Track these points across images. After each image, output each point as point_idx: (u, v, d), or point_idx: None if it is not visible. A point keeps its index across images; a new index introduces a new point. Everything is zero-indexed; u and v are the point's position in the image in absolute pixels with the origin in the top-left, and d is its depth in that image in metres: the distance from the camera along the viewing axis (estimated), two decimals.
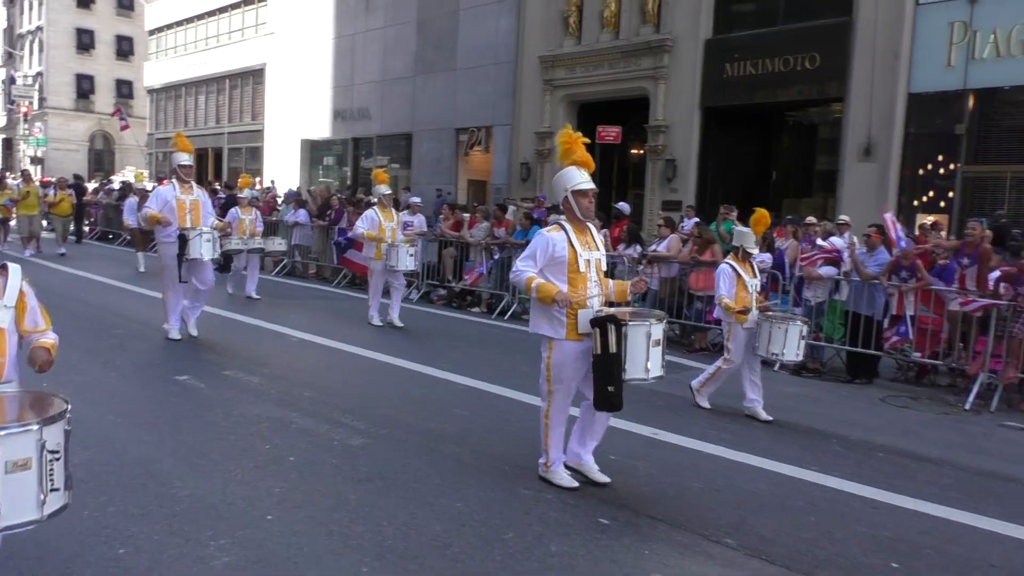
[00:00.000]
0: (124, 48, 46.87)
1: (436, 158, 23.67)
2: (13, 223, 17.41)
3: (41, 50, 45.96)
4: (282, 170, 28.26)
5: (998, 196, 14.82)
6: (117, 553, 3.48)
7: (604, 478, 4.64)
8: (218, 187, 19.96)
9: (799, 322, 6.66)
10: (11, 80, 47.42)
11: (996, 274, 7.71)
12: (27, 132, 44.15)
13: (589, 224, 4.66)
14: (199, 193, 8.46)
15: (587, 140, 4.72)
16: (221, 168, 32.64)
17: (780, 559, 3.83)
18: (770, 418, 6.51)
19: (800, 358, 6.85)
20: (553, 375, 4.58)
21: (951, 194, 15.16)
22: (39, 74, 46.20)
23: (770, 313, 6.80)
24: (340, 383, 7.00)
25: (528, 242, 11.42)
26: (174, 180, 8.33)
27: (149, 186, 19.01)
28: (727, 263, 6.78)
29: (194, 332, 8.37)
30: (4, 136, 50.19)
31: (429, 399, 6.65)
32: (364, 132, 26.14)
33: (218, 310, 10.19)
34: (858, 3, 15.66)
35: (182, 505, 4.04)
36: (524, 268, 4.53)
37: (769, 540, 4.06)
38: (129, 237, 17.20)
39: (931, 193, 15.61)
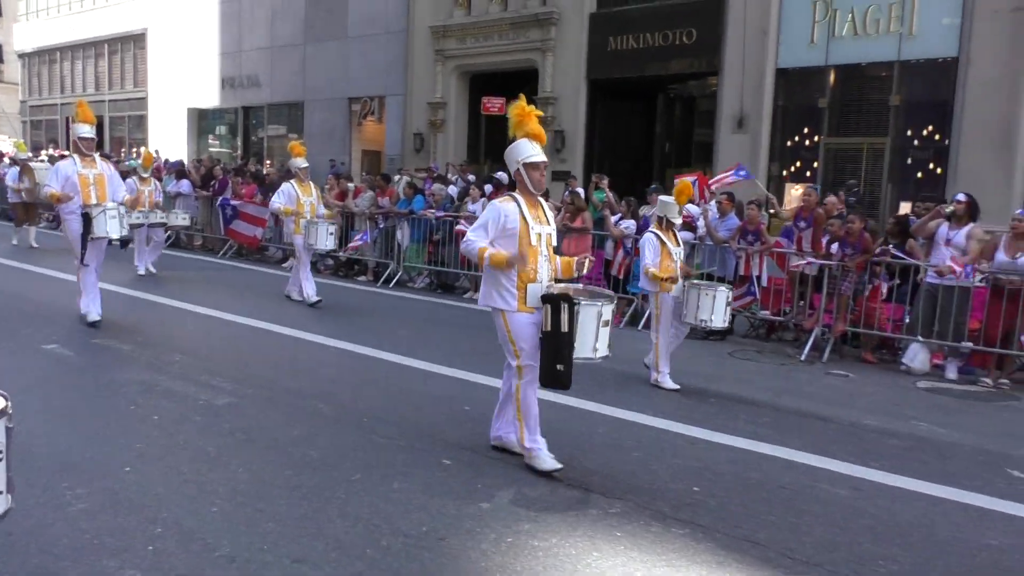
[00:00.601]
0: None
1: (329, 128, 23.51)
2: None
3: None
4: (169, 140, 27.42)
5: (856, 166, 16.01)
6: None
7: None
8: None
9: (724, 288, 6.84)
10: None
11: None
12: None
13: (540, 198, 4.67)
14: (104, 167, 8.04)
15: (540, 113, 4.71)
16: (103, 137, 31.28)
17: (598, 487, 4.35)
18: (677, 386, 6.66)
19: (727, 324, 7.00)
20: (518, 347, 4.52)
21: (816, 164, 16.27)
22: None
23: (695, 280, 6.87)
24: (212, 349, 7.20)
25: (411, 212, 11.79)
26: (74, 155, 7.93)
27: (24, 156, 18.16)
28: (652, 232, 6.80)
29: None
30: None
31: (299, 361, 6.94)
32: (254, 101, 25.67)
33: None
34: None
35: (41, 461, 4.24)
36: (475, 239, 4.47)
37: (592, 472, 4.58)
38: (7, 210, 16.55)
39: (798, 163, 16.69)
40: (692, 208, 9.53)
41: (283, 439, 4.82)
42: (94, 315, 7.78)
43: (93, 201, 7.67)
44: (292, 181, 10.03)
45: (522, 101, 4.66)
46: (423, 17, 21.05)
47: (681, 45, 17.46)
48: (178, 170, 15.96)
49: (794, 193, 15.95)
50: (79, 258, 7.66)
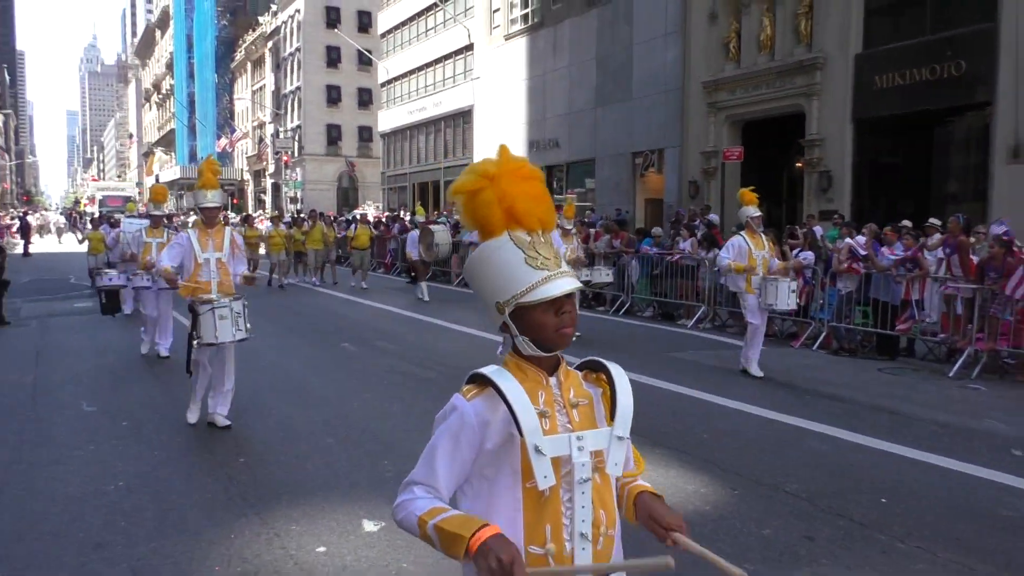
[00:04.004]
0: (364, 99, 55.08)
1: (616, 181, 26.66)
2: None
3: (299, 106, 55.31)
4: None
5: None
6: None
7: None
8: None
9: None
10: (276, 134, 57.60)
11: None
12: (287, 177, 53.44)
13: None
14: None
15: None
16: (440, 199, 37.94)
17: None
18: None
19: None
20: None
21: None
22: (298, 127, 55.57)
23: None
24: (437, 347, 10.39)
25: (637, 250, 14.13)
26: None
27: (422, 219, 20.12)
28: None
29: None
30: (273, 181, 60.52)
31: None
32: (555, 160, 29.78)
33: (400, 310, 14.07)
34: (1001, 9, 16.49)
35: (312, 398, 7.54)
36: None
37: None
38: (411, 269, 18.24)
39: None
40: (860, 239, 10.73)
41: (435, 396, 7.64)
42: None
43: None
44: (743, 233, 8.96)
45: None
46: (697, 74, 23.38)
47: (950, 78, 17.67)
48: (454, 224, 19.98)
49: None
50: None
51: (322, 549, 4.24)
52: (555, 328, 1.75)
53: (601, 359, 1.89)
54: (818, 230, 16.01)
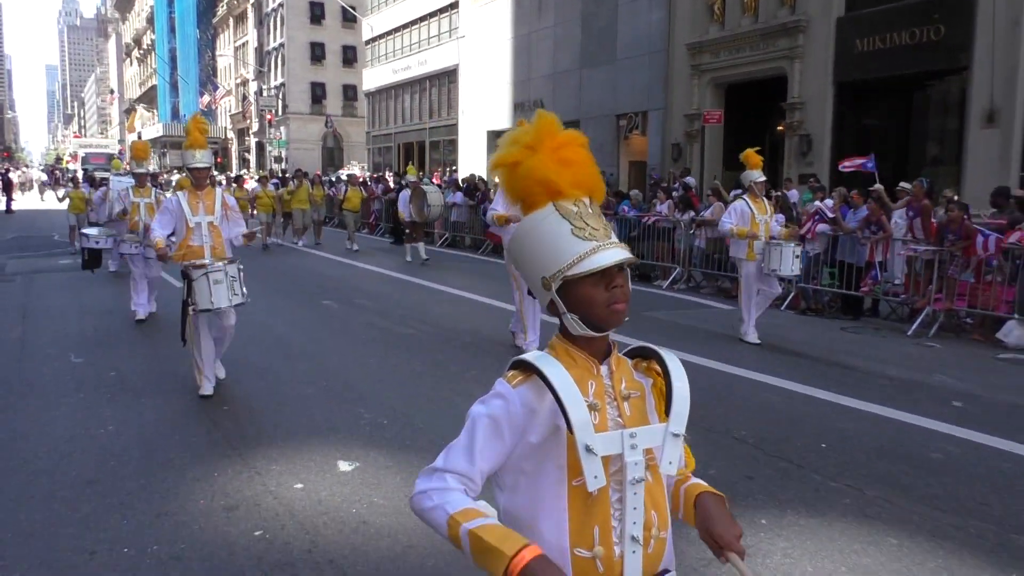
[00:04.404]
0: (349, 56, 54.70)
1: (600, 143, 26.77)
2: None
3: (283, 64, 54.91)
4: (472, 159, 32.81)
5: None
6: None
7: None
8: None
9: None
10: (260, 92, 57.19)
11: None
12: (271, 136, 53.21)
13: None
14: None
15: None
16: (425, 160, 37.98)
17: None
18: None
19: None
20: None
21: None
22: (282, 85, 55.19)
23: None
24: (419, 306, 10.69)
25: (615, 212, 14.43)
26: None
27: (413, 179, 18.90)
28: None
29: None
30: (257, 140, 60.20)
31: (467, 315, 10.13)
32: None
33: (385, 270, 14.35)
34: None
35: (295, 351, 7.87)
36: None
37: None
38: (406, 228, 17.50)
39: None
40: (828, 202, 11.08)
41: (412, 351, 8.01)
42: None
43: None
44: (745, 196, 8.96)
45: None
46: (681, 36, 23.50)
47: (929, 42, 17.92)
48: (455, 183, 20.22)
49: None
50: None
51: (299, 486, 4.59)
52: (606, 303, 1.62)
53: (653, 346, 1.77)
54: (794, 194, 16.39)
